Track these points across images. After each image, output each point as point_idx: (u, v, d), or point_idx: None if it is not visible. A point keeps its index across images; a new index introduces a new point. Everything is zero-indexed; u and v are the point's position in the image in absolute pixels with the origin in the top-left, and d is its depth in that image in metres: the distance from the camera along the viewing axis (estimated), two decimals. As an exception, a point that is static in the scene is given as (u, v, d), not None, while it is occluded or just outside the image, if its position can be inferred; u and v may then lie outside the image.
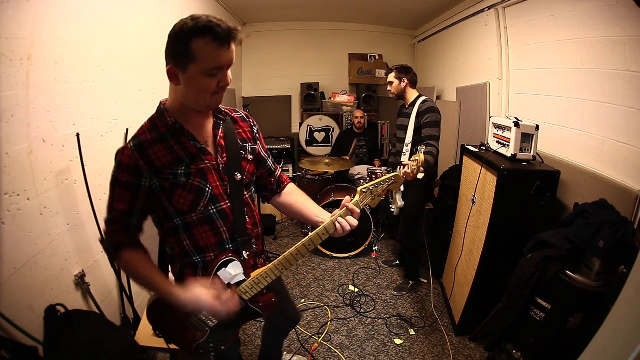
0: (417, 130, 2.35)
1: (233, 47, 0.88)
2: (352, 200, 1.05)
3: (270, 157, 1.23)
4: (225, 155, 1.03)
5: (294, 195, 1.25)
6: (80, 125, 1.53)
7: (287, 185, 1.27)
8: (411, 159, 2.02)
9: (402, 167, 2.28)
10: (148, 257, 1.03)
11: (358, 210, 1.04)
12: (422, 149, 2.03)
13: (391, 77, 2.45)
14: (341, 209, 1.04)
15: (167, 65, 0.89)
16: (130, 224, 0.99)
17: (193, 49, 0.83)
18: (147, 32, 1.93)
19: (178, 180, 0.95)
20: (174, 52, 0.87)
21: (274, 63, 4.68)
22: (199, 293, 0.95)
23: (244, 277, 1.06)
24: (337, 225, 1.03)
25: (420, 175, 2.01)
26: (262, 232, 1.21)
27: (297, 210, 1.22)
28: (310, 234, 1.04)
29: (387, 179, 1.05)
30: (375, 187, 1.05)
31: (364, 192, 1.05)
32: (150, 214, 1.03)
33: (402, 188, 2.39)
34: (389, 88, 2.49)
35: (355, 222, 1.04)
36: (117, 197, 0.96)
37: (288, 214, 1.26)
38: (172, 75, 0.90)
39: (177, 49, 0.85)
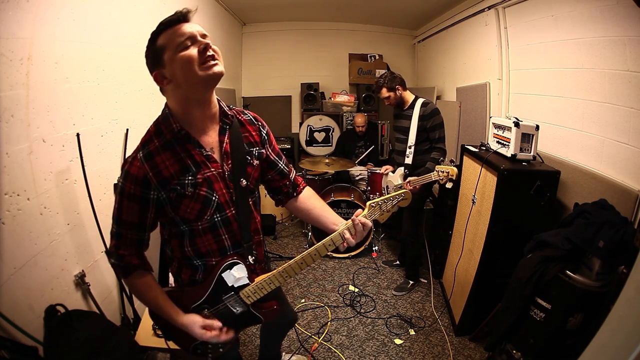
0: (420, 132, 2.38)
1: (191, 22, 0.90)
2: (361, 213, 1.04)
3: (283, 159, 1.20)
4: (230, 161, 1.01)
5: (312, 200, 1.22)
6: (80, 125, 1.53)
7: (303, 188, 1.24)
8: (440, 170, 2.13)
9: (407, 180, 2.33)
10: (154, 280, 1.04)
11: (370, 224, 1.03)
12: (451, 162, 2.12)
13: (384, 93, 2.45)
14: (349, 222, 1.03)
15: (152, 75, 0.92)
16: (142, 240, 0.99)
17: (160, 43, 0.88)
18: (147, 32, 1.92)
19: (185, 191, 0.94)
20: (150, 60, 0.92)
21: (274, 63, 4.68)
22: (192, 321, 1.00)
23: (248, 281, 1.06)
24: (346, 235, 1.02)
25: (449, 185, 2.12)
26: (263, 239, 1.20)
27: (315, 216, 1.19)
28: (316, 244, 1.04)
29: (397, 195, 1.05)
30: (385, 202, 1.04)
31: (372, 206, 1.04)
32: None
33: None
34: (387, 103, 2.51)
35: (362, 234, 1.03)
36: (125, 209, 0.94)
37: (305, 219, 1.25)
38: (158, 78, 0.91)
39: (150, 55, 0.92)
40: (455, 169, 2.11)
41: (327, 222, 1.15)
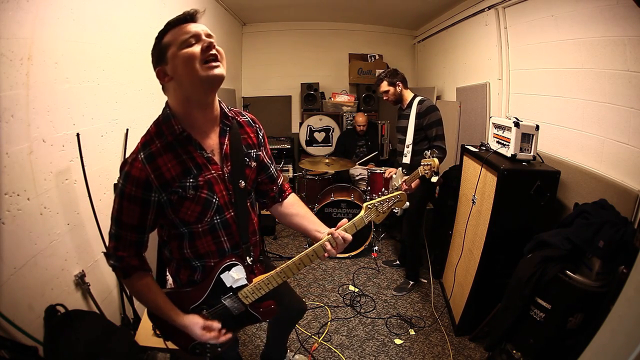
0: (417, 130, 2.36)
1: (198, 22, 0.91)
2: (357, 215, 1.06)
3: (274, 164, 1.21)
4: (229, 163, 1.02)
5: (295, 207, 1.24)
6: (80, 125, 1.53)
7: (289, 194, 1.26)
8: (424, 164, 2.06)
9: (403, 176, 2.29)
10: (153, 281, 1.04)
11: (349, 237, 1.05)
12: (433, 153, 2.06)
13: (384, 86, 2.44)
14: (337, 228, 1.05)
15: (155, 71, 0.93)
16: (141, 241, 0.99)
17: (165, 41, 0.89)
18: (147, 32, 1.92)
19: (187, 193, 0.94)
20: (154, 57, 0.92)
21: (274, 63, 4.68)
22: (193, 322, 1.01)
23: (246, 282, 1.07)
24: (337, 236, 1.03)
25: (435, 179, 2.06)
26: (260, 240, 1.21)
27: (298, 222, 1.21)
28: (314, 245, 1.05)
29: (393, 196, 1.07)
30: (381, 204, 1.06)
31: (369, 207, 1.06)
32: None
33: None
34: (385, 97, 2.50)
35: (349, 237, 1.06)
36: (125, 210, 0.93)
37: (287, 225, 1.26)
38: (160, 75, 0.91)
39: (155, 52, 0.92)
40: (435, 160, 2.02)
41: (309, 229, 1.16)
